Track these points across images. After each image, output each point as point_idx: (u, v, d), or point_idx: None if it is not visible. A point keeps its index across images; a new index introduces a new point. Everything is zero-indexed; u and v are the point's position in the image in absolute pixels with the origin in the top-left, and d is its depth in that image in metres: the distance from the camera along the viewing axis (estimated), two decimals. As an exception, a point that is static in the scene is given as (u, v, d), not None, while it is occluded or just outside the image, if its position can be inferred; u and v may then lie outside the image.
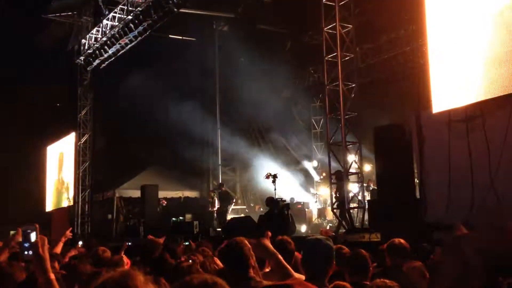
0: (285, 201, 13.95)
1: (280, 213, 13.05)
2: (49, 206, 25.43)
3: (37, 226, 2.65)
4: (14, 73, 25.93)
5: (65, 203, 23.37)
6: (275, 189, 14.91)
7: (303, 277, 3.48)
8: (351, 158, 13.09)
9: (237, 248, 3.64)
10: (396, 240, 4.97)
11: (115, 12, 18.52)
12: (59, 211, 23.98)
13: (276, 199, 14.07)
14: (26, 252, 2.61)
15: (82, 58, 21.18)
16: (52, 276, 2.47)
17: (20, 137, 24.88)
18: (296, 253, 4.75)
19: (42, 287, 2.44)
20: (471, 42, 9.49)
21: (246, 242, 3.76)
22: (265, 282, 3.60)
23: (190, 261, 4.65)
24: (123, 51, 19.26)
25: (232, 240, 3.81)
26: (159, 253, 5.21)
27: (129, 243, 10.02)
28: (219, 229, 15.52)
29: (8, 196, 26.77)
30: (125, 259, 6.00)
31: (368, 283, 3.87)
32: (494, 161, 9.01)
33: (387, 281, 3.29)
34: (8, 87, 26.60)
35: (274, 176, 15.24)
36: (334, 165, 13.38)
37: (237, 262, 3.56)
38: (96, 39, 19.96)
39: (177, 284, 1.75)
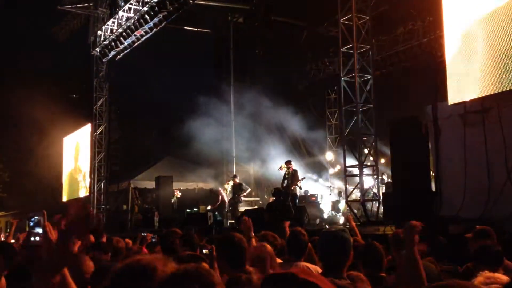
0: (286, 192, 14.02)
1: (279, 203, 13.17)
2: (65, 197, 25.68)
3: (45, 212, 2.68)
4: (31, 64, 26.19)
5: (82, 192, 23.57)
6: (289, 182, 14.88)
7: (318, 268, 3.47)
8: (366, 150, 13.02)
9: (235, 241, 3.65)
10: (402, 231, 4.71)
11: (131, 4, 18.56)
12: (74, 201, 24.19)
13: (279, 190, 14.09)
14: (32, 238, 2.64)
15: (98, 49, 21.27)
16: None
17: (37, 129, 25.13)
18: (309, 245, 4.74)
19: None
20: (488, 34, 9.36)
21: (242, 236, 3.78)
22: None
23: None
24: (138, 42, 19.31)
25: (229, 233, 3.82)
26: (172, 242, 5.24)
27: (144, 234, 10.07)
28: (232, 221, 15.57)
29: (25, 187, 27.10)
30: (145, 250, 6.04)
31: (383, 275, 3.85)
32: (510, 153, 8.90)
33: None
34: (25, 79, 26.89)
35: (288, 169, 15.22)
36: (349, 157, 13.32)
37: (234, 254, 3.57)
38: (112, 30, 20.03)
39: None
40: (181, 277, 1.60)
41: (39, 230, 2.63)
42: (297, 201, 14.44)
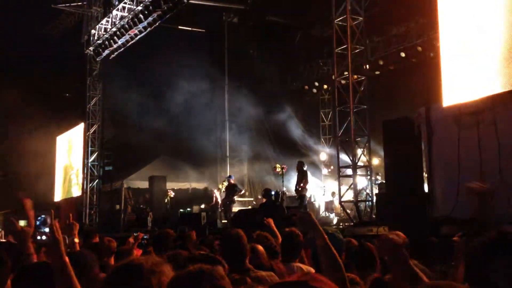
0: (277, 192, 14.07)
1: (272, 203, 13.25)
2: (58, 196, 25.55)
3: (53, 211, 2.68)
4: (24, 63, 26.05)
5: (75, 192, 23.46)
6: (282, 182, 14.90)
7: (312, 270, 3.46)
8: (360, 151, 13.05)
9: (235, 239, 3.63)
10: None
11: (125, 3, 18.52)
12: (67, 201, 24.10)
13: (270, 191, 14.13)
14: (39, 237, 2.64)
15: (91, 48, 21.20)
16: (67, 259, 2.51)
17: (30, 128, 25.00)
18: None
19: (57, 270, 2.48)
20: (483, 36, 9.39)
21: (243, 234, 3.75)
22: (262, 273, 3.59)
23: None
24: (132, 41, 19.26)
25: (230, 231, 3.80)
26: (174, 244, 5.22)
27: (135, 234, 10.04)
28: (225, 221, 15.56)
29: (18, 186, 26.94)
30: (136, 251, 6.01)
31: (377, 275, 3.85)
32: (504, 155, 8.93)
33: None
34: (18, 78, 26.75)
35: (282, 169, 15.24)
36: (343, 158, 13.34)
37: (235, 253, 3.55)
38: (105, 29, 19.97)
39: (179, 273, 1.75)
40: (196, 275, 1.59)
41: (46, 229, 2.65)
42: (305, 203, 14.42)
